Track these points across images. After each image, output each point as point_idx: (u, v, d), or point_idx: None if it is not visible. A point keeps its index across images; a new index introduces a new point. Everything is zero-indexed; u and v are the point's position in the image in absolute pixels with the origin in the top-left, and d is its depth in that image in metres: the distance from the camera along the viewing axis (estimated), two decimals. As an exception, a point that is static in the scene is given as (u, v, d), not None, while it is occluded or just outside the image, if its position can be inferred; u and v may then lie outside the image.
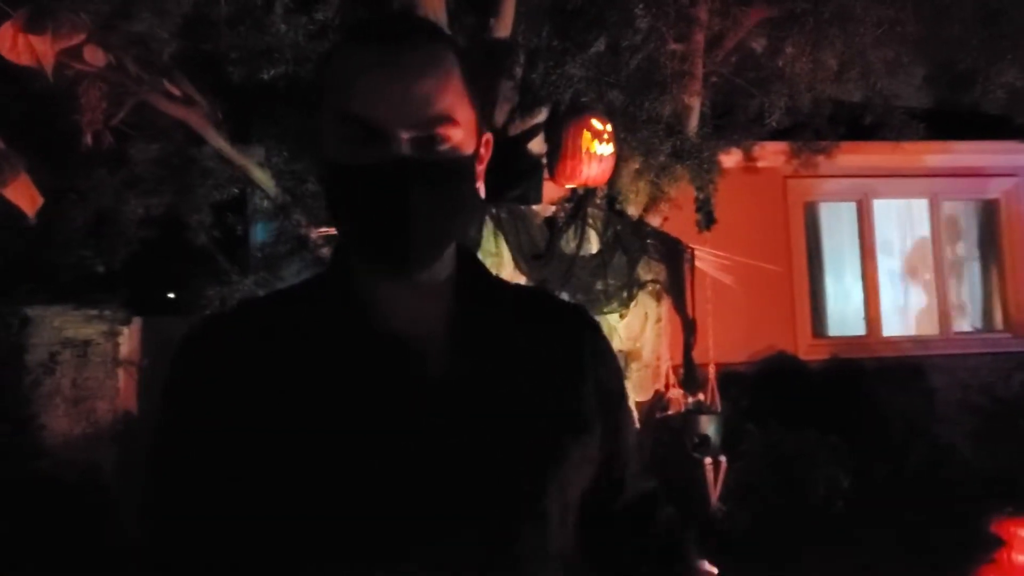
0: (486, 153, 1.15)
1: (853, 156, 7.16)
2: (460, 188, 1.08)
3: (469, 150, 1.08)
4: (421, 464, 1.00)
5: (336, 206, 1.07)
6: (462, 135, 1.06)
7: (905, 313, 8.87)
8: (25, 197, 2.43)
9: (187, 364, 1.08)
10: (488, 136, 1.15)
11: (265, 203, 5.63)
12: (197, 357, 1.08)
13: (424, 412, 1.02)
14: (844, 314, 8.74)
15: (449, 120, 1.03)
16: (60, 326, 7.18)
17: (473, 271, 1.18)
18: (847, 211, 8.73)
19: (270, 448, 0.99)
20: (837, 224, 8.78)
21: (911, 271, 8.93)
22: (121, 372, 7.30)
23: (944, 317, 8.68)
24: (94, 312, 7.12)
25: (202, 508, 1.02)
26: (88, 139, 4.10)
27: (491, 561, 1.01)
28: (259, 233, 6.48)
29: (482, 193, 1.16)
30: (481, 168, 1.15)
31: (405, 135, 1.01)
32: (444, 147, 1.04)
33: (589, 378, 1.17)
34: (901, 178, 8.52)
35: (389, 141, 1.01)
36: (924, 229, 8.86)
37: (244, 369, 1.04)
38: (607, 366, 1.24)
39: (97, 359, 7.25)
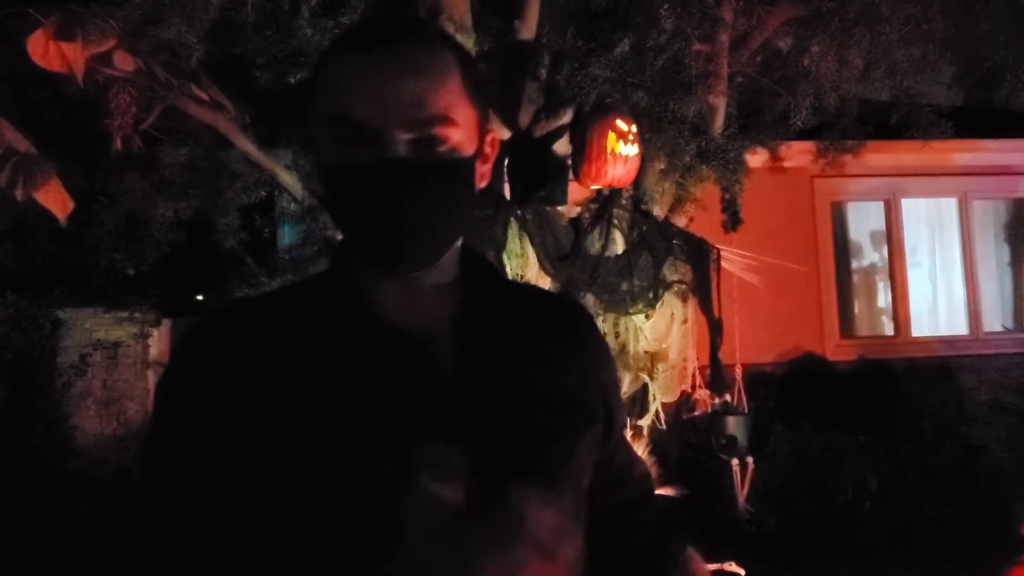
0: (492, 152, 1.15)
1: (880, 155, 7.12)
2: (457, 189, 1.07)
3: (469, 151, 1.08)
4: (440, 459, 1.00)
5: (333, 207, 1.08)
6: (461, 135, 1.05)
7: (934, 313, 8.79)
8: (56, 201, 2.46)
9: (189, 367, 1.07)
10: (493, 135, 1.15)
11: (292, 206, 5.68)
12: (199, 360, 1.07)
13: (439, 408, 1.03)
14: (872, 314, 8.69)
15: (445, 120, 1.03)
16: (91, 328, 7.27)
17: (478, 270, 1.18)
18: (875, 211, 8.67)
19: (281, 447, 0.99)
20: (865, 224, 8.73)
21: (940, 271, 8.85)
22: (151, 373, 7.38)
23: (974, 317, 8.60)
24: (124, 314, 7.20)
25: (203, 514, 1.02)
26: (118, 143, 4.14)
27: (515, 549, 1.02)
28: (286, 235, 6.54)
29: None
30: (487, 168, 1.15)
31: (401, 136, 1.01)
32: (442, 148, 1.04)
33: (591, 372, 1.20)
34: (929, 177, 8.45)
35: (384, 142, 1.01)
36: (953, 228, 8.78)
37: (251, 369, 1.03)
38: (605, 362, 1.26)
39: (127, 361, 7.33)
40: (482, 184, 1.14)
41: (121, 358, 7.33)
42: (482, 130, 1.12)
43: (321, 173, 1.07)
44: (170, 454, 1.05)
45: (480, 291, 1.15)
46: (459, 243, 1.15)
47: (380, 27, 1.07)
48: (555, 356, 1.16)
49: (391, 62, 1.02)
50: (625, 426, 1.33)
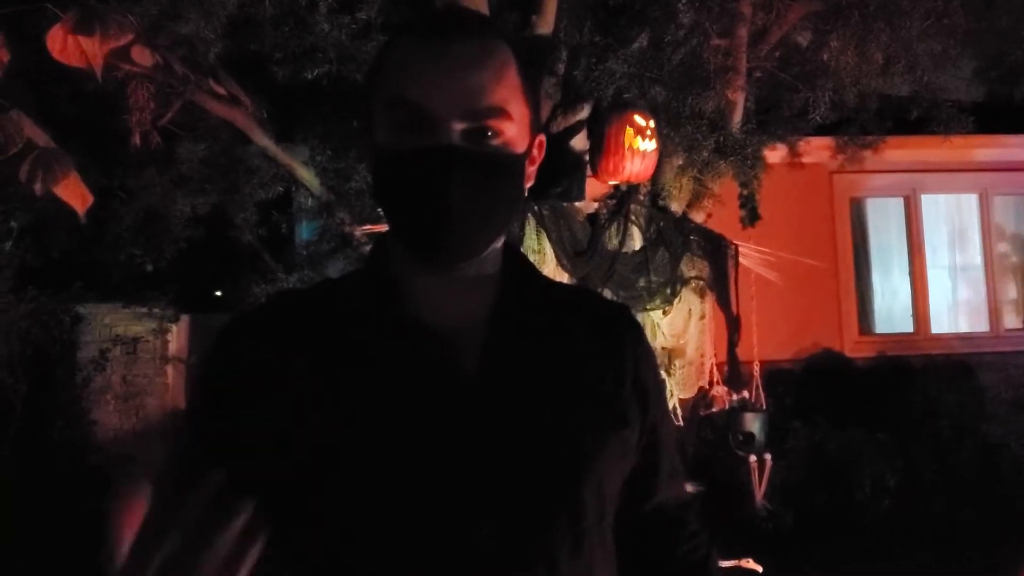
0: (538, 155, 1.15)
1: (900, 151, 7.07)
2: (507, 184, 1.08)
3: (521, 148, 1.08)
4: (453, 456, 1.00)
5: (382, 191, 1.08)
6: (515, 131, 1.06)
7: (954, 310, 8.73)
8: (75, 196, 2.47)
9: (222, 355, 1.09)
10: (541, 138, 1.15)
11: (309, 201, 5.70)
12: (233, 348, 1.08)
13: (458, 405, 1.02)
14: (891, 311, 8.63)
15: (502, 113, 1.04)
16: (110, 323, 7.31)
17: (519, 268, 1.18)
18: (894, 207, 8.62)
19: (301, 439, 1.00)
20: (884, 220, 8.67)
21: (960, 267, 8.79)
22: (169, 369, 7.41)
23: (994, 314, 8.54)
24: (143, 310, 7.23)
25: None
26: (137, 139, 4.17)
27: (527, 555, 1.00)
28: (304, 231, 6.56)
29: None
30: (532, 169, 1.14)
31: (457, 125, 1.02)
32: (496, 141, 1.04)
33: (629, 376, 1.17)
34: (950, 173, 8.40)
35: (440, 129, 1.01)
36: (974, 224, 8.72)
37: (279, 359, 1.04)
38: (648, 367, 1.23)
39: (146, 356, 7.37)
40: (528, 184, 1.14)
41: (140, 353, 7.37)
42: (533, 131, 1.12)
43: (375, 156, 1.08)
44: (199, 436, 1.07)
45: (517, 289, 1.14)
46: (502, 240, 1.14)
47: (446, 18, 1.09)
48: (589, 357, 1.14)
49: (455, 52, 1.03)
50: (664, 435, 1.28)
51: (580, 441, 1.07)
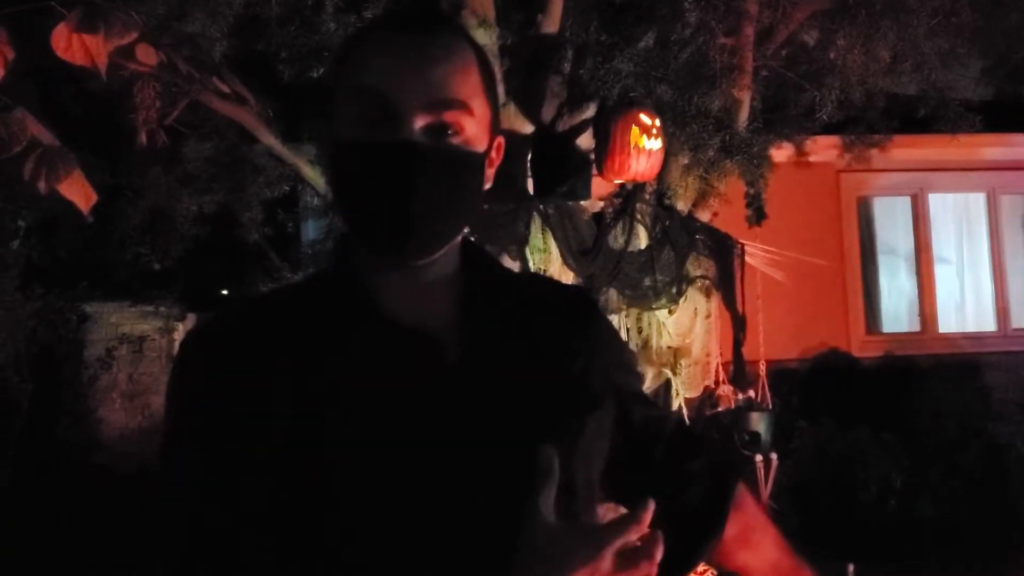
0: (497, 157, 1.16)
1: (907, 150, 7.05)
2: (465, 181, 1.08)
3: (480, 147, 1.09)
4: (445, 451, 1.00)
5: (340, 183, 1.08)
6: (475, 128, 1.07)
7: (961, 309, 8.71)
8: (79, 194, 2.46)
9: (191, 363, 1.08)
10: (500, 140, 1.15)
11: (315, 200, 5.71)
12: (201, 356, 1.08)
13: (445, 402, 1.03)
14: (898, 310, 8.62)
15: (464, 107, 1.05)
16: (117, 322, 7.33)
17: (478, 262, 1.19)
18: (901, 206, 8.59)
19: (287, 443, 0.99)
20: (891, 219, 8.66)
21: (968, 266, 8.76)
22: (175, 367, 7.41)
23: (1002, 313, 8.51)
24: (149, 308, 7.25)
25: (214, 506, 1.01)
26: (143, 138, 4.17)
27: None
28: (310, 230, 6.57)
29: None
30: (491, 172, 1.15)
31: (418, 120, 1.02)
32: (456, 138, 1.05)
33: (595, 354, 1.20)
34: (957, 172, 8.38)
35: (401, 122, 1.02)
36: (981, 224, 8.69)
37: (253, 364, 1.03)
38: (610, 341, 1.28)
39: (152, 354, 7.38)
40: (486, 186, 1.15)
41: (146, 352, 7.39)
42: (493, 131, 1.13)
43: (334, 148, 1.07)
44: (182, 451, 1.06)
45: (480, 282, 1.15)
46: (459, 238, 1.15)
47: (412, 14, 1.10)
48: (558, 342, 1.17)
49: (420, 45, 1.04)
50: (647, 402, 1.32)
51: (564, 425, 1.09)
